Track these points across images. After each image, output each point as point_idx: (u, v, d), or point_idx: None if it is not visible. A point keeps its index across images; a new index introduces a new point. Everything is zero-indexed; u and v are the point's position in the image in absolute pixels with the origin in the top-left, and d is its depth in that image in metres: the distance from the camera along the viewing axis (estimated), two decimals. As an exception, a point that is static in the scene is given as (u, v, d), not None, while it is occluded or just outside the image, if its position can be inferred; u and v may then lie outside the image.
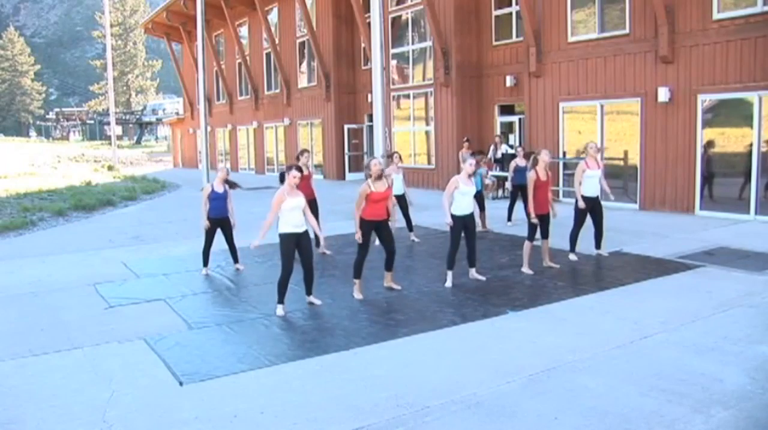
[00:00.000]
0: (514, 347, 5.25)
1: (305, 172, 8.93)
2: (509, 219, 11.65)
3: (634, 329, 5.56)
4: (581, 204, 8.43)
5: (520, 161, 11.34)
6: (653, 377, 4.51)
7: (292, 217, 6.37)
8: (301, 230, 6.43)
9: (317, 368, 4.89)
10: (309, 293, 6.74)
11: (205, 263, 8.37)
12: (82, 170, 29.38)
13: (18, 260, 9.51)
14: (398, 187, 9.74)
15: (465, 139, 15.89)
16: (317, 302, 6.72)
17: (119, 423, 4.03)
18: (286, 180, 6.45)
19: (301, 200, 6.43)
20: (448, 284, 7.31)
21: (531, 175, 7.80)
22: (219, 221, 8.24)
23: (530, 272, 7.83)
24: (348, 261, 8.74)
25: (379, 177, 6.83)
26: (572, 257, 8.54)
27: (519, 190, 10.97)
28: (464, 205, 7.26)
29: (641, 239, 9.71)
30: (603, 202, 8.74)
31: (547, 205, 7.91)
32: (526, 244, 7.98)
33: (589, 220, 8.58)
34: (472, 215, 7.37)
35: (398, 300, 6.84)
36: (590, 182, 8.49)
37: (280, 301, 6.46)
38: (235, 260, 8.58)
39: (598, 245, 8.75)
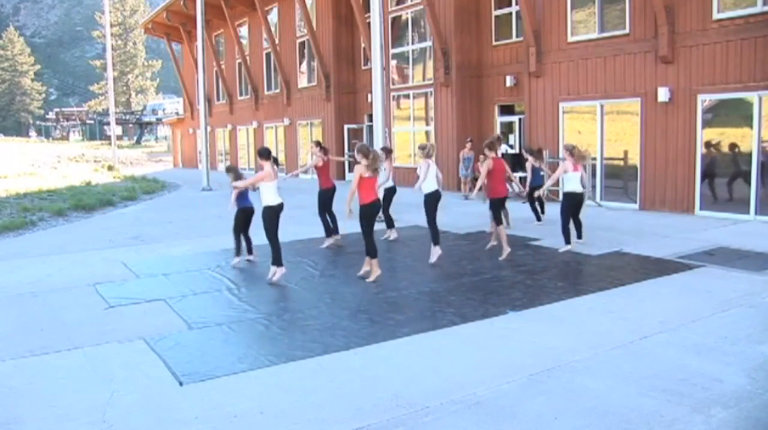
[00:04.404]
0: (514, 347, 5.25)
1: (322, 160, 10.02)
2: (538, 219, 11.43)
3: (634, 329, 5.56)
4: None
5: (534, 163, 11.37)
6: (653, 377, 4.51)
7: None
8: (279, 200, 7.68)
9: (317, 368, 4.89)
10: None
11: (237, 252, 8.68)
12: (82, 170, 29.36)
13: (18, 260, 9.50)
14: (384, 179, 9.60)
15: (468, 139, 15.91)
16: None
17: (119, 423, 4.03)
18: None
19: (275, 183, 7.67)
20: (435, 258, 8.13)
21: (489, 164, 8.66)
22: (244, 210, 8.72)
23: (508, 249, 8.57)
24: (348, 261, 8.77)
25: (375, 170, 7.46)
26: (561, 249, 8.96)
27: (534, 191, 11.14)
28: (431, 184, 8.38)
29: (641, 239, 9.71)
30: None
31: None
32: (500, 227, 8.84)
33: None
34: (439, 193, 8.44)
35: (398, 300, 6.83)
36: (574, 181, 8.99)
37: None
38: (249, 251, 8.81)
39: (578, 235, 9.23)
